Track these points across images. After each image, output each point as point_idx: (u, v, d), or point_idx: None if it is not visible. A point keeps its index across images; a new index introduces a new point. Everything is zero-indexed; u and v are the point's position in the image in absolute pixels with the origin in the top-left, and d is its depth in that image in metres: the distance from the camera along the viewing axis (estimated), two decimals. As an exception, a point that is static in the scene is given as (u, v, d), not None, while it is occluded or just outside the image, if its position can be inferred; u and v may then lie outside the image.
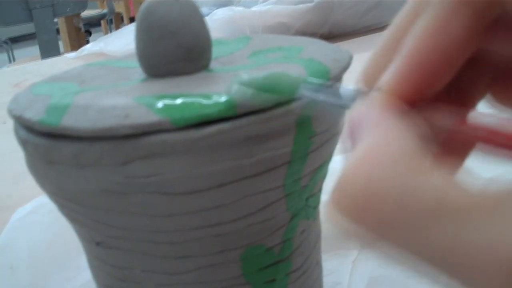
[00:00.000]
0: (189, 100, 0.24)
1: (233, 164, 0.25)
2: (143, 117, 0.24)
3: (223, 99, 0.24)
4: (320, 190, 0.32)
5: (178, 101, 0.24)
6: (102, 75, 0.32)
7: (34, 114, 0.26)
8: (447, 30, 0.16)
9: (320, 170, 0.29)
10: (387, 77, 0.17)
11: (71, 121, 0.25)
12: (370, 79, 0.18)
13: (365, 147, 0.15)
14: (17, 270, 0.45)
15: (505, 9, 0.16)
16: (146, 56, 0.29)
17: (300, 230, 0.30)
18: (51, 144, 0.26)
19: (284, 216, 0.28)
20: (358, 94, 0.18)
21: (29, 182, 0.67)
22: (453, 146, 0.17)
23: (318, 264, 0.33)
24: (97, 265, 0.30)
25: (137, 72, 0.31)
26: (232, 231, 0.27)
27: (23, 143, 0.28)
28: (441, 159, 0.16)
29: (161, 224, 0.26)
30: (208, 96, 0.25)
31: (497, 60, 0.19)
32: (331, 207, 0.16)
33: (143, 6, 0.29)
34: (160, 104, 0.24)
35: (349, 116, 0.17)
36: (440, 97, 0.17)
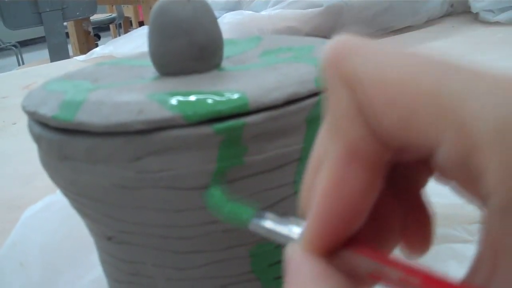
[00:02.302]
0: (201, 96, 0.25)
1: (244, 160, 0.25)
2: (156, 113, 0.24)
3: (235, 96, 0.25)
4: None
5: (191, 97, 0.25)
6: (114, 73, 0.32)
7: (49, 110, 0.27)
8: (342, 187, 0.17)
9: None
10: (303, 234, 0.18)
11: (85, 117, 0.25)
12: (304, 209, 0.20)
13: None
14: (28, 267, 0.45)
15: (400, 148, 0.16)
16: (158, 54, 0.30)
17: (310, 228, 0.30)
18: (65, 140, 0.26)
19: (294, 213, 0.28)
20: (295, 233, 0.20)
21: (39, 182, 0.68)
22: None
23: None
24: (108, 260, 0.31)
25: (150, 70, 0.31)
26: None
27: (37, 139, 0.28)
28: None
29: (172, 219, 0.26)
30: (220, 93, 0.25)
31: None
32: None
33: (156, 5, 0.29)
34: (173, 101, 0.25)
35: (285, 253, 0.19)
36: (364, 232, 0.18)
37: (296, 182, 0.27)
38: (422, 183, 0.21)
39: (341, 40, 0.17)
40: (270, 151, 0.25)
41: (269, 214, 0.22)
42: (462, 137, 0.14)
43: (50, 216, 0.49)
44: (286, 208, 0.28)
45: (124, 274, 0.30)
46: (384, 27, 1.14)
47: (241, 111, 0.24)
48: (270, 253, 0.29)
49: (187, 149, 0.24)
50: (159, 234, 0.27)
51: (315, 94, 0.26)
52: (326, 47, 0.17)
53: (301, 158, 0.27)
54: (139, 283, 0.30)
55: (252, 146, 0.25)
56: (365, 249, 0.17)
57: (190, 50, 0.29)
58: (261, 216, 0.22)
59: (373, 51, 0.16)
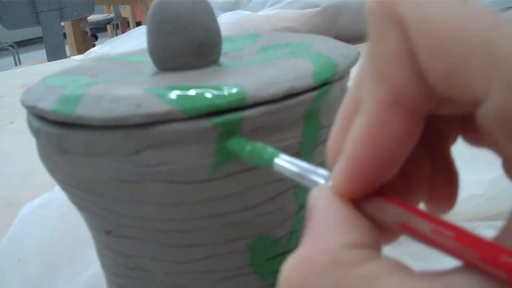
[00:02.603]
0: (200, 91, 0.25)
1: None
2: (154, 106, 0.24)
3: (233, 90, 0.25)
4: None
5: (189, 92, 0.25)
6: (113, 68, 0.32)
7: (48, 104, 0.27)
8: (382, 131, 0.16)
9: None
10: (334, 177, 0.18)
11: (84, 110, 0.25)
12: (332, 159, 0.19)
13: (301, 254, 0.16)
14: (26, 263, 0.45)
15: (443, 98, 0.16)
16: (157, 50, 0.30)
17: (307, 222, 0.30)
18: (64, 133, 0.26)
19: (292, 207, 0.29)
20: (322, 175, 0.20)
21: (37, 180, 0.68)
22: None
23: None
24: (107, 254, 0.31)
25: (148, 66, 0.31)
26: (240, 220, 0.27)
27: (36, 133, 0.28)
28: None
29: (171, 213, 0.27)
30: (218, 88, 0.25)
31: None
32: None
33: (155, 1, 0.30)
34: (171, 95, 0.25)
35: (309, 197, 0.18)
36: (391, 184, 0.18)
37: (293, 176, 0.27)
38: (452, 141, 0.20)
39: None
40: (268, 144, 0.26)
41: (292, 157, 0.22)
42: None
43: (48, 213, 0.49)
44: (285, 202, 0.28)
45: (122, 268, 0.30)
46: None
47: (239, 105, 0.25)
48: (268, 247, 0.29)
49: (185, 142, 0.25)
50: (158, 228, 0.27)
51: (312, 89, 0.26)
52: None
53: (299, 152, 0.27)
54: (137, 277, 0.30)
55: (250, 139, 0.25)
56: (395, 199, 0.17)
57: (188, 45, 0.29)
58: (286, 157, 0.22)
59: None
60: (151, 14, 0.30)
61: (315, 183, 0.19)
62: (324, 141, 0.28)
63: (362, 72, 0.18)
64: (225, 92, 0.25)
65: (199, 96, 0.25)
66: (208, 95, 0.25)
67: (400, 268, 0.15)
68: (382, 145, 0.16)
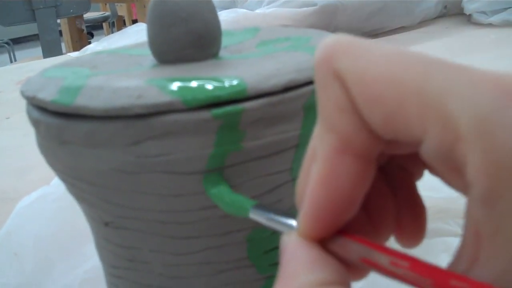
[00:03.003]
0: (200, 82, 0.25)
1: (242, 146, 0.25)
2: (155, 97, 0.24)
3: (234, 82, 0.25)
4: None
5: (190, 83, 0.25)
6: (113, 61, 0.32)
7: (48, 94, 0.27)
8: (334, 180, 0.17)
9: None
10: (299, 221, 0.19)
11: (84, 101, 0.25)
12: (299, 203, 0.20)
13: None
14: (22, 257, 0.45)
15: (389, 140, 0.17)
16: (157, 42, 0.30)
17: (305, 216, 0.30)
18: (64, 124, 0.26)
19: (290, 199, 0.29)
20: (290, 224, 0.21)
21: (33, 176, 0.68)
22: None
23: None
24: (105, 245, 0.31)
25: (148, 59, 0.31)
26: (239, 212, 0.27)
27: (36, 123, 0.28)
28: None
29: (170, 204, 0.27)
30: (219, 79, 0.25)
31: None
32: None
33: (155, -7, 0.30)
34: (172, 86, 0.25)
35: (280, 242, 0.20)
36: (358, 222, 0.19)
37: (293, 168, 0.27)
38: (417, 176, 0.21)
39: (333, 38, 0.18)
40: (267, 137, 0.26)
41: (267, 205, 0.23)
42: (446, 130, 0.15)
43: (45, 206, 0.49)
44: (283, 195, 0.28)
45: (121, 260, 0.30)
46: (378, 27, 1.15)
47: (239, 97, 0.25)
48: (266, 239, 0.29)
49: (185, 133, 0.25)
50: (157, 219, 0.28)
51: (312, 82, 0.26)
52: (319, 46, 0.18)
53: (299, 144, 0.27)
54: (136, 268, 0.30)
55: (250, 131, 0.25)
56: (358, 236, 0.18)
57: (188, 38, 0.29)
58: (260, 207, 0.23)
59: (362, 50, 0.17)
60: (151, 7, 0.30)
61: (289, 227, 0.21)
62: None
63: (315, 128, 0.19)
64: (226, 83, 0.25)
65: (200, 87, 0.25)
66: (209, 86, 0.25)
67: None
68: (337, 189, 0.18)
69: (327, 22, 1.07)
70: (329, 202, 0.18)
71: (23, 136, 0.77)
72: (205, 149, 0.25)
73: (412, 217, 0.21)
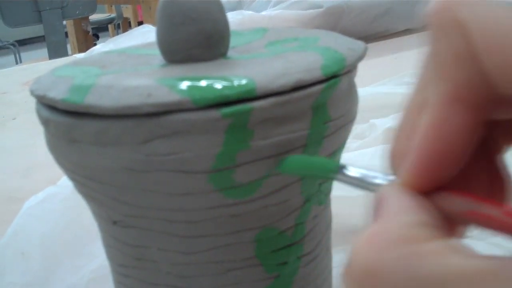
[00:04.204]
0: (210, 81, 0.25)
1: (250, 145, 0.25)
2: (165, 96, 0.25)
3: (243, 81, 0.25)
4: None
5: (199, 82, 0.25)
6: (122, 61, 0.33)
7: (58, 93, 0.27)
8: (446, 129, 0.17)
9: (334, 156, 0.30)
10: (403, 173, 0.19)
11: (94, 99, 0.25)
12: (397, 163, 0.20)
13: (371, 230, 0.17)
14: (29, 256, 0.45)
15: (502, 94, 0.17)
16: (166, 41, 0.30)
17: (312, 215, 0.31)
18: (74, 122, 0.26)
19: (298, 199, 0.29)
20: (386, 179, 0.21)
21: (39, 175, 0.68)
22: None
23: (328, 251, 0.34)
24: (113, 244, 0.31)
25: (157, 58, 0.32)
26: (247, 212, 0.27)
27: (45, 122, 0.28)
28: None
29: (179, 203, 0.27)
30: (228, 79, 0.25)
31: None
32: (344, 279, 0.17)
33: (165, -6, 0.30)
34: (181, 85, 0.25)
35: (375, 195, 0.19)
36: (461, 176, 0.19)
37: (301, 168, 0.27)
38: (504, 147, 0.21)
39: None
40: (276, 136, 0.26)
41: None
42: None
43: (51, 206, 0.49)
44: (291, 194, 0.28)
45: (128, 258, 0.30)
46: (383, 29, 1.15)
47: (248, 96, 0.25)
48: (274, 239, 0.29)
49: (194, 132, 0.25)
50: (166, 218, 0.28)
51: (321, 81, 0.27)
52: None
53: (307, 144, 0.27)
54: (143, 267, 0.30)
55: (259, 131, 0.26)
56: (462, 192, 0.18)
57: (197, 38, 0.29)
58: (347, 166, 0.23)
59: (485, 2, 0.17)
60: (160, 6, 0.30)
61: (380, 186, 0.20)
62: (330, 134, 0.28)
63: (421, 78, 0.19)
64: (235, 83, 0.25)
65: (209, 86, 0.25)
66: (218, 86, 0.25)
67: (467, 248, 0.16)
68: (448, 140, 0.17)
69: (333, 24, 1.07)
70: (439, 153, 0.18)
71: (29, 137, 0.77)
72: (214, 148, 0.25)
73: (500, 190, 0.21)
